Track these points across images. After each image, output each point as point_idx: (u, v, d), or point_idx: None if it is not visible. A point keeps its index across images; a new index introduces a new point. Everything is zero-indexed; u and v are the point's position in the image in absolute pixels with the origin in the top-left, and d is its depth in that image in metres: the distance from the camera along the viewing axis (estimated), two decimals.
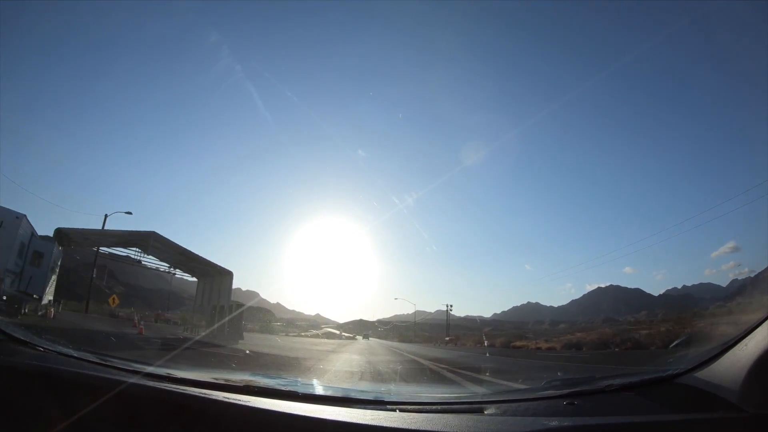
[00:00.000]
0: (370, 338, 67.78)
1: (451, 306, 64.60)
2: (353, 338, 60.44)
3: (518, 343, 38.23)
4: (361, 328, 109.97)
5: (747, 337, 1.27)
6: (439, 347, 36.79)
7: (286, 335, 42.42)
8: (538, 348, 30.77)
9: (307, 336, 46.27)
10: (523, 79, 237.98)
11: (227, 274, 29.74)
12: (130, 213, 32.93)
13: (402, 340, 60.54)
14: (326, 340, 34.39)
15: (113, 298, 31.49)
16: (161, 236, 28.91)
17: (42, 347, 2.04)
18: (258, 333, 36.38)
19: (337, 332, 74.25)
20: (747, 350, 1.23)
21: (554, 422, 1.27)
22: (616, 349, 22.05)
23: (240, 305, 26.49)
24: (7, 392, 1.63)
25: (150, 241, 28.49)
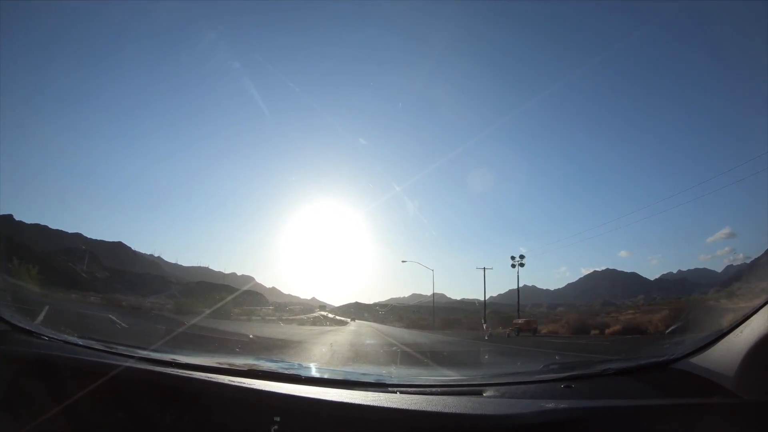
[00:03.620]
0: (356, 320, 58.31)
1: (522, 258, 43.89)
2: (342, 322, 51.47)
3: None
4: (357, 310, 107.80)
5: (742, 324, 1.29)
6: (508, 338, 22.95)
7: (262, 320, 36.83)
8: None
9: (288, 322, 40.84)
10: (517, 65, 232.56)
11: None
12: None
13: (406, 326, 44.74)
14: (297, 329, 26.62)
15: None
16: None
17: (47, 336, 2.08)
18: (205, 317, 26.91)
19: (324, 314, 67.65)
20: (742, 337, 1.25)
21: (551, 404, 1.30)
22: None
23: None
24: (12, 382, 1.67)
25: None
